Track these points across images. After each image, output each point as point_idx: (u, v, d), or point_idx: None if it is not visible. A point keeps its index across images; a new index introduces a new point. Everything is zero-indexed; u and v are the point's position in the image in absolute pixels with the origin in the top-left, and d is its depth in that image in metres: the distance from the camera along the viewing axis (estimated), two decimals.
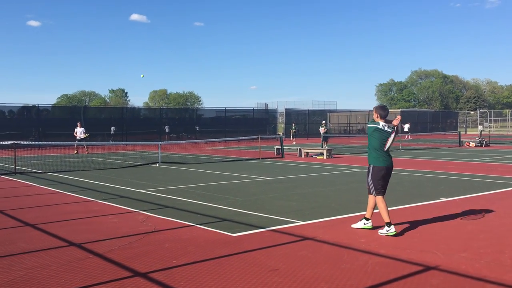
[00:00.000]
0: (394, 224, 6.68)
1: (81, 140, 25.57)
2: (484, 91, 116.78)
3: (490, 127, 43.08)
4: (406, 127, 41.75)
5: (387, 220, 6.53)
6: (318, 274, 4.86)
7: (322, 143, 26.25)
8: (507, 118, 70.31)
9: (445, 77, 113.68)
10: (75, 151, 26.12)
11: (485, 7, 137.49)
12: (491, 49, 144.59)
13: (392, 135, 6.71)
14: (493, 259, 5.37)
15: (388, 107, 7.20)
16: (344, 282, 4.62)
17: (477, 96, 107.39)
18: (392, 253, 5.58)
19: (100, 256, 5.58)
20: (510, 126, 62.67)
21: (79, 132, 25.84)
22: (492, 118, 69.72)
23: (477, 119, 67.81)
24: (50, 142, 26.07)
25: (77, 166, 17.75)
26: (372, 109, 7.38)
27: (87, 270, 5.04)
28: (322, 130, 27.50)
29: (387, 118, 6.89)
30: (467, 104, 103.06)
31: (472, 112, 79.36)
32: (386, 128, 6.71)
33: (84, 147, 26.47)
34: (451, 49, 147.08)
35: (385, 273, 4.87)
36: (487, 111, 73.80)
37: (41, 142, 25.34)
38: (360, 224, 6.97)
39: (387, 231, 6.50)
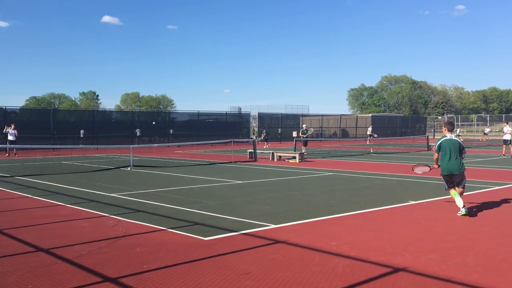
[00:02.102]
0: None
1: (12, 142, 24.94)
2: (452, 97, 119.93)
3: (457, 132, 44.17)
4: (369, 130, 42.61)
5: (460, 205, 8.25)
6: (290, 277, 4.89)
7: (302, 147, 26.27)
8: (473, 123, 72.38)
9: (414, 82, 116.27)
10: (7, 154, 25.59)
11: (453, 15, 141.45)
12: (458, 55, 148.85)
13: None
14: (459, 260, 5.52)
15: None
16: (315, 284, 4.66)
17: (444, 101, 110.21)
18: (362, 256, 5.67)
19: (68, 262, 5.48)
20: (476, 131, 64.49)
21: (11, 134, 25.25)
22: (459, 123, 71.61)
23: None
24: (18, 146, 25.35)
25: (46, 170, 17.35)
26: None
27: (55, 276, 4.94)
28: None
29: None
30: (435, 109, 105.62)
31: (440, 117, 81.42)
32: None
33: (14, 150, 25.96)
34: (420, 55, 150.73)
35: (355, 275, 4.95)
36: (454, 116, 75.79)
37: (7, 145, 24.61)
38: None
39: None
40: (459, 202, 8.25)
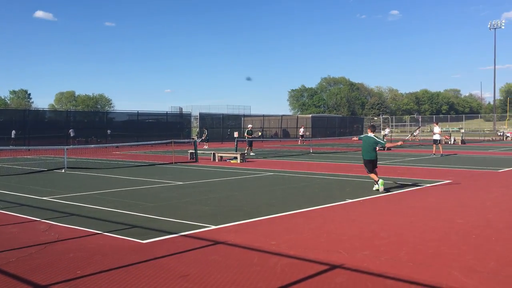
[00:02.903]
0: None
1: None
2: (387, 98, 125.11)
3: (386, 131, 46.13)
4: (302, 130, 43.71)
5: (375, 179, 11.55)
6: (229, 278, 4.88)
7: (247, 147, 26.24)
8: (407, 123, 75.95)
9: (352, 84, 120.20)
10: None
11: (388, 20, 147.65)
12: (393, 58, 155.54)
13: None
14: (392, 256, 5.75)
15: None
16: (254, 284, 4.68)
17: (380, 102, 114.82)
18: (300, 254, 5.76)
19: None
20: (409, 131, 67.75)
21: None
22: (394, 124, 74.85)
23: (380, 125, 72.37)
24: None
25: None
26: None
27: None
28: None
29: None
30: (372, 110, 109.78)
31: (376, 118, 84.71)
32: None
33: None
34: (357, 58, 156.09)
35: (294, 273, 5.01)
36: (389, 117, 79.13)
37: None
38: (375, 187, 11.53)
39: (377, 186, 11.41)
40: (376, 178, 11.58)
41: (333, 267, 5.26)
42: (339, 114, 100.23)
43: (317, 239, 6.60)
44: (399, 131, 75.12)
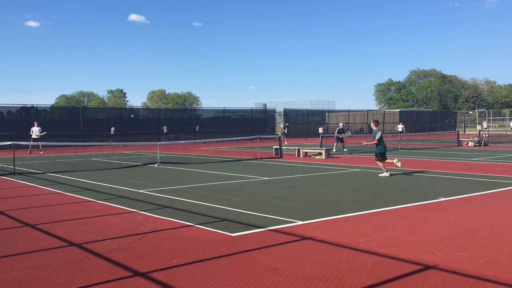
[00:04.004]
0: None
1: (36, 140, 25.49)
2: (483, 91, 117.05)
3: (488, 126, 42.89)
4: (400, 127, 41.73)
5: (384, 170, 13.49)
6: (317, 273, 4.88)
7: (341, 145, 26.02)
8: (506, 117, 70.43)
9: (443, 76, 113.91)
10: (29, 151, 26.20)
11: (484, 7, 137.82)
12: (489, 48, 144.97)
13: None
14: (491, 258, 5.39)
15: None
16: (343, 281, 4.63)
17: (475, 95, 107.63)
18: (391, 253, 5.60)
19: (99, 256, 5.60)
20: (509, 126, 62.78)
21: (36, 131, 25.83)
22: (491, 118, 69.86)
23: (476, 119, 67.93)
24: (49, 143, 25.98)
25: (76, 166, 17.75)
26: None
27: (87, 270, 5.06)
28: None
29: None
30: (466, 104, 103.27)
31: (471, 112, 79.56)
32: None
33: (39, 148, 26.58)
34: (449, 49, 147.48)
35: (384, 272, 4.89)
36: (486, 111, 73.94)
37: (40, 143, 25.27)
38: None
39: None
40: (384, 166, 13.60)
41: (426, 267, 5.05)
42: (429, 108, 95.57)
43: (408, 238, 6.37)
44: (497, 125, 69.97)
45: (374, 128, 13.85)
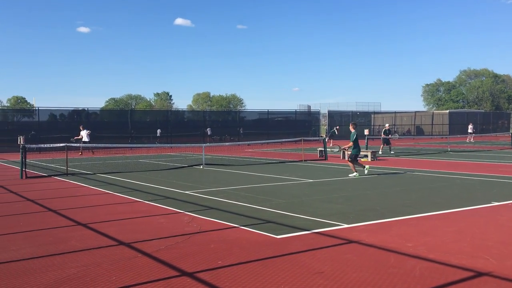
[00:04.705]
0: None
1: (86, 143, 26.38)
2: None
3: None
4: (471, 128, 40.09)
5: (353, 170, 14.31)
6: (364, 278, 4.79)
7: (388, 147, 25.63)
8: None
9: (496, 76, 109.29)
10: (80, 153, 27.24)
11: None
12: None
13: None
14: None
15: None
16: (391, 286, 4.53)
17: None
18: (441, 258, 5.43)
19: (148, 256, 5.73)
20: None
21: (85, 135, 26.89)
22: None
23: None
24: (99, 144, 26.92)
25: (124, 167, 18.29)
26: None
27: (136, 269, 5.19)
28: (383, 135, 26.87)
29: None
30: None
31: None
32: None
33: (89, 149, 27.61)
34: (502, 47, 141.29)
35: (434, 278, 4.74)
36: None
37: (91, 144, 26.23)
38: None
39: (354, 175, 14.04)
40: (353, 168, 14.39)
41: (479, 274, 4.86)
42: (481, 109, 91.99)
43: (459, 243, 6.15)
44: None
45: (352, 130, 14.39)
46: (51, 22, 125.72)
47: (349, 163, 14.51)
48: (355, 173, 14.22)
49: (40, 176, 15.69)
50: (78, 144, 24.29)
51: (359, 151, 14.75)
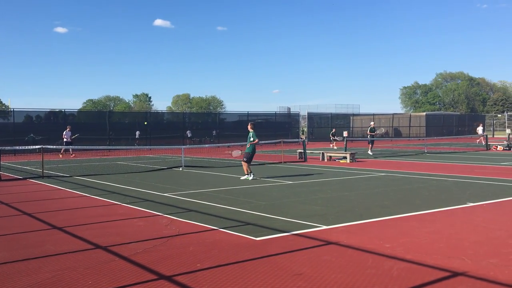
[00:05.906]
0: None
1: (68, 143, 26.22)
2: None
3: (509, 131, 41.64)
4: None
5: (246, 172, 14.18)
6: (343, 279, 4.81)
7: (369, 146, 25.94)
8: None
9: (471, 79, 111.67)
10: (61, 154, 27.04)
11: None
12: None
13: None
14: None
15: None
16: (369, 287, 4.56)
17: (504, 98, 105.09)
18: (418, 259, 5.49)
19: (125, 259, 5.65)
20: None
21: (68, 135, 26.79)
22: None
23: (505, 122, 66.33)
24: (76, 146, 26.48)
25: (102, 170, 18.04)
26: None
27: (113, 273, 5.11)
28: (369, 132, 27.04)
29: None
30: (494, 107, 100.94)
31: (500, 115, 77.64)
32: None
33: (69, 151, 27.42)
34: (477, 51, 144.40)
35: (411, 278, 4.79)
36: None
37: (71, 146, 25.79)
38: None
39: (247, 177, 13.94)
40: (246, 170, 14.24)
41: (455, 274, 4.93)
42: (456, 111, 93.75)
43: (435, 244, 6.24)
44: None
45: (251, 130, 14.46)
46: (28, 21, 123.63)
47: (244, 164, 14.24)
48: (246, 176, 14.13)
49: (15, 179, 15.37)
50: (59, 146, 24.01)
51: (253, 152, 14.48)
